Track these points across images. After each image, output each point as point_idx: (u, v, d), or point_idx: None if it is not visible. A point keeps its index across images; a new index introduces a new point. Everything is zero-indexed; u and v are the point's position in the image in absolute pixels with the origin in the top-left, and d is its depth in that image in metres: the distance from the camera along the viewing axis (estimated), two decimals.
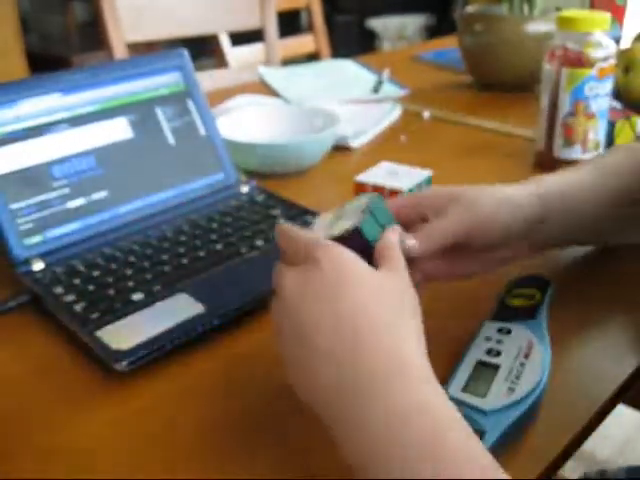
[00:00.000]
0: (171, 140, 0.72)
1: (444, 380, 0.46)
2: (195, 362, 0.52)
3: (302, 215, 0.71)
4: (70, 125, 0.66)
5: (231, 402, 0.48)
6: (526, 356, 0.48)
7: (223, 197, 0.74)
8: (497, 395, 0.45)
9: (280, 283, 0.41)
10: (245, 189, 0.76)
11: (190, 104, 0.75)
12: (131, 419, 0.47)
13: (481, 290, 0.58)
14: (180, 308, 0.56)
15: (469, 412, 0.43)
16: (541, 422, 0.45)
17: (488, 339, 0.50)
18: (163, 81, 0.74)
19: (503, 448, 0.42)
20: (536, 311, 0.53)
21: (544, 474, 0.42)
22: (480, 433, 0.42)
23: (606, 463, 1.50)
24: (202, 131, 0.75)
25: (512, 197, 0.52)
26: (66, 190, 0.65)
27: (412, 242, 0.48)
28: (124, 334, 0.52)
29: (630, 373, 0.50)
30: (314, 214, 0.71)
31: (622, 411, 1.60)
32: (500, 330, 0.51)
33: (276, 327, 0.41)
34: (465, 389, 0.46)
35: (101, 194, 0.66)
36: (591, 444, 1.55)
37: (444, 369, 0.48)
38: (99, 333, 0.53)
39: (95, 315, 0.55)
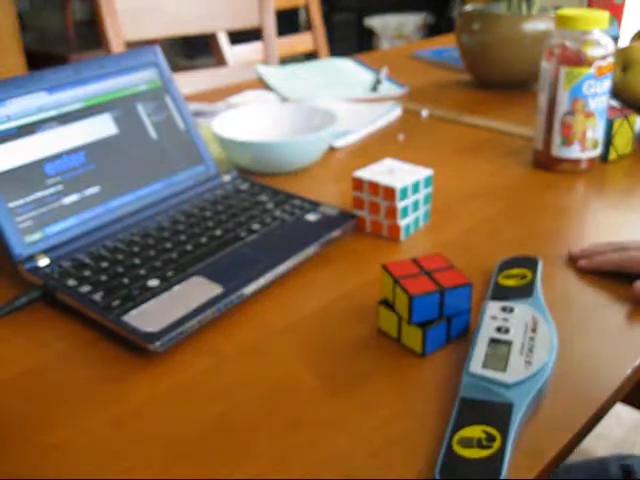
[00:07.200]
0: (153, 135, 0.74)
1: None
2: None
3: (288, 200, 0.74)
4: (58, 123, 0.67)
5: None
6: (533, 331, 0.51)
7: (208, 188, 0.77)
8: (517, 368, 0.47)
9: None
10: (227, 178, 0.79)
11: (168, 99, 0.77)
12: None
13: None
14: (199, 290, 0.58)
15: (492, 387, 0.46)
16: (540, 421, 0.45)
17: (494, 318, 0.53)
18: (141, 77, 0.75)
19: (526, 420, 0.44)
20: (531, 289, 0.56)
21: (543, 473, 0.42)
22: (508, 406, 0.44)
23: None
24: (181, 125, 0.77)
25: None
26: (60, 187, 0.65)
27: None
28: (151, 317, 0.54)
29: (629, 372, 0.50)
30: (301, 199, 0.74)
31: (620, 409, 1.60)
32: (504, 309, 0.54)
33: None
34: (485, 365, 0.48)
35: (94, 189, 0.68)
36: (589, 442, 1.55)
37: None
38: (126, 318, 0.54)
39: (116, 302, 0.56)
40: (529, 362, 0.48)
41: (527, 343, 0.50)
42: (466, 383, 0.47)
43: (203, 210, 0.72)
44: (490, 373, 0.47)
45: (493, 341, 0.50)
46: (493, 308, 0.54)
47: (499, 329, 0.51)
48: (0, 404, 0.48)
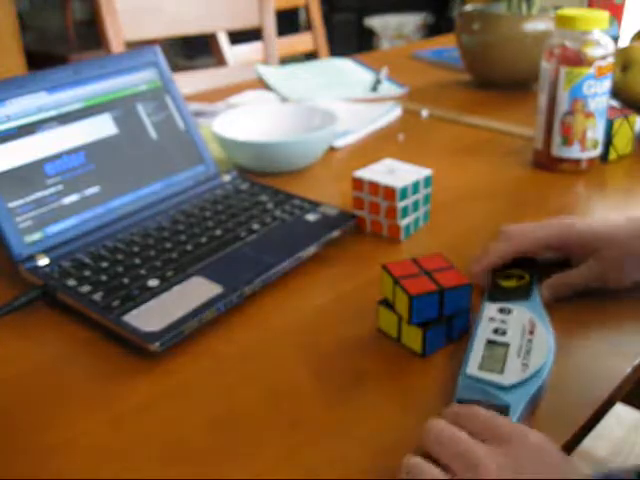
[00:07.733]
0: (153, 135, 0.74)
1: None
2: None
3: (288, 200, 0.74)
4: (59, 123, 0.67)
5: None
6: (531, 333, 0.51)
7: (208, 187, 0.77)
8: (514, 371, 0.47)
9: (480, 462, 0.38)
10: (227, 178, 0.79)
11: (168, 99, 0.77)
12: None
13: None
14: (199, 290, 0.58)
15: (489, 389, 0.46)
16: (540, 420, 0.45)
17: (492, 319, 0.53)
18: (141, 78, 0.75)
19: (523, 422, 0.44)
20: (529, 291, 0.56)
21: None
22: (504, 408, 0.44)
23: (604, 462, 1.50)
24: (181, 125, 0.77)
25: None
26: (60, 187, 0.65)
27: (546, 295, 0.57)
28: (151, 317, 0.54)
29: (629, 372, 0.50)
30: (301, 199, 0.74)
31: (620, 409, 1.60)
32: (502, 310, 0.53)
33: None
34: (481, 367, 0.48)
35: (94, 189, 0.68)
36: (589, 442, 1.55)
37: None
38: (126, 318, 0.54)
39: (116, 302, 0.56)
40: (526, 364, 0.47)
41: (524, 345, 0.49)
42: (463, 385, 0.47)
43: (203, 210, 0.72)
44: (487, 375, 0.47)
45: (490, 343, 0.50)
46: (491, 309, 0.54)
47: (496, 331, 0.51)
48: (0, 404, 0.48)
